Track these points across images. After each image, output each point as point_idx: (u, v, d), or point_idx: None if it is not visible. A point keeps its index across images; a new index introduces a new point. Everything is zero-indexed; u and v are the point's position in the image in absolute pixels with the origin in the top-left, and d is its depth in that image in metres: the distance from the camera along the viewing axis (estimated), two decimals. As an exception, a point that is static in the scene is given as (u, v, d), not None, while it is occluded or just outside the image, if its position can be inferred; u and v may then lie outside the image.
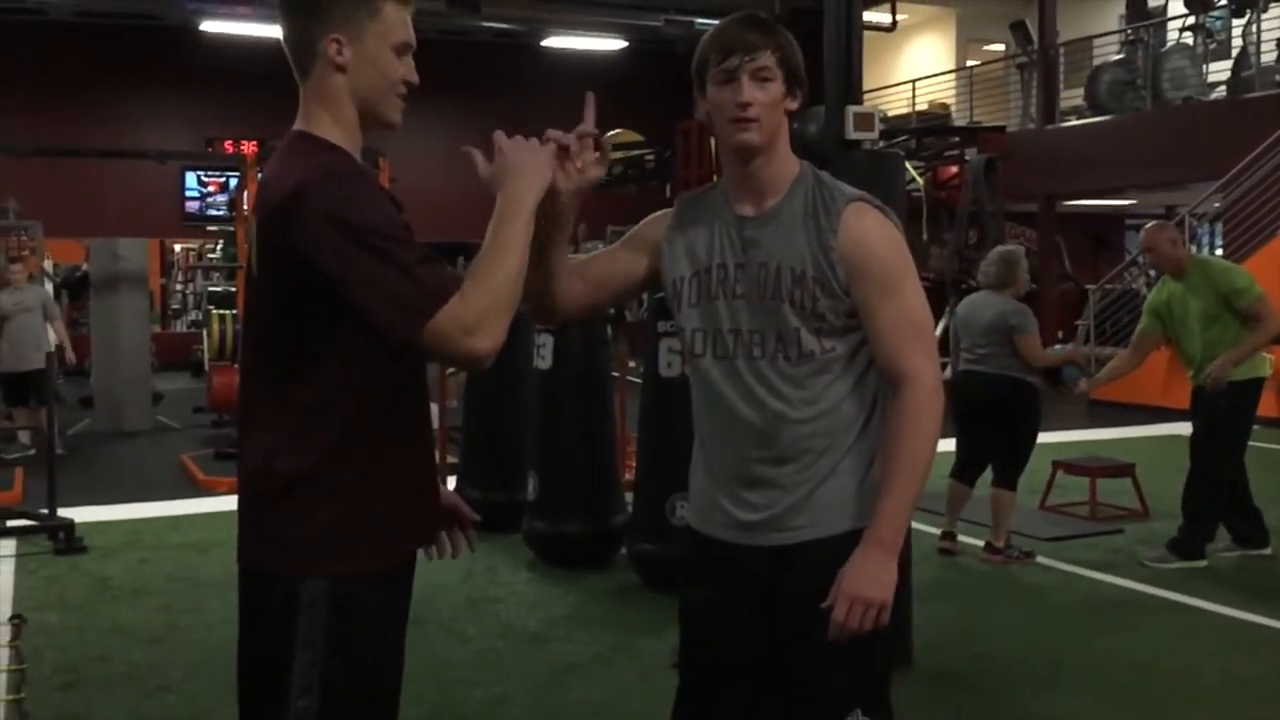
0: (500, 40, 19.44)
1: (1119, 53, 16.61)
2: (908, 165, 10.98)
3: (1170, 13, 16.61)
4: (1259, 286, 5.73)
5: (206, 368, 11.67)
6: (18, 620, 4.87)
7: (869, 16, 15.81)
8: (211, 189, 20.07)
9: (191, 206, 20.11)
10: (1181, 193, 16.00)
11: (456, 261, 8.69)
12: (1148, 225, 6.06)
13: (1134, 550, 6.22)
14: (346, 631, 1.89)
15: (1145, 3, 16.45)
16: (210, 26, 16.23)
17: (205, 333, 12.11)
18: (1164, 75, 15.24)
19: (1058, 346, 7.64)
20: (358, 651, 1.91)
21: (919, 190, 13.51)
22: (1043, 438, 6.22)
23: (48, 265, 14.59)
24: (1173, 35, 16.22)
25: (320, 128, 1.92)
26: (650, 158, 13.50)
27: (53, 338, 9.90)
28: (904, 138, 14.24)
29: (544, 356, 6.03)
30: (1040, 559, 6.11)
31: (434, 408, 5.38)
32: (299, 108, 1.95)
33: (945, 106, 18.63)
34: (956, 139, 14.60)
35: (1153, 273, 12.26)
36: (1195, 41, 15.63)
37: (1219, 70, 15.32)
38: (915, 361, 2.09)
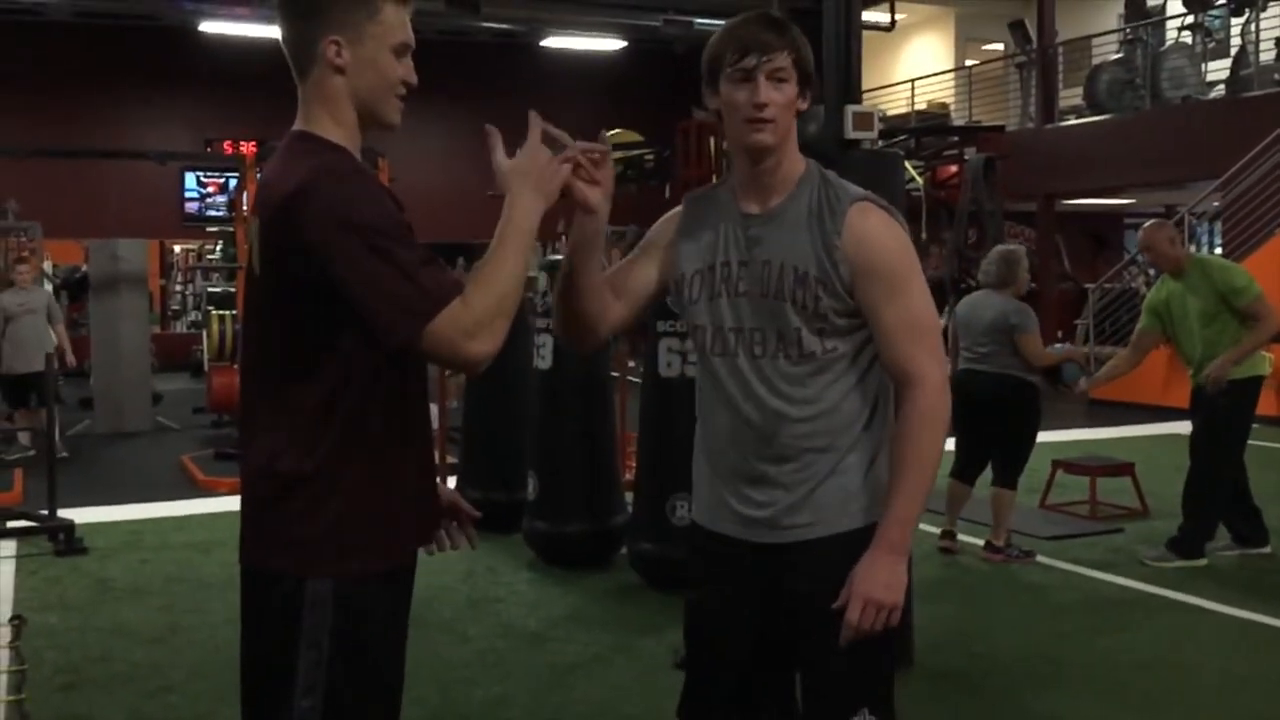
0: (499, 40, 19.45)
1: (1118, 52, 16.62)
2: (907, 165, 10.98)
3: (1169, 12, 16.61)
4: (1258, 285, 5.73)
5: (206, 368, 11.67)
6: (18, 621, 4.87)
7: (868, 16, 15.83)
8: (211, 190, 20.08)
9: (191, 207, 20.13)
10: (1180, 192, 16.02)
11: (456, 262, 8.69)
12: (1146, 224, 6.06)
13: (1134, 549, 6.22)
14: (350, 631, 1.89)
15: (1144, 2, 16.46)
16: (209, 27, 16.25)
17: (205, 333, 12.11)
18: (1163, 74, 15.25)
19: (1057, 346, 7.63)
20: (361, 651, 1.91)
21: (918, 190, 13.51)
22: (1043, 437, 6.23)
23: (47, 266, 14.60)
24: (1171, 34, 16.23)
25: (320, 128, 1.92)
26: (650, 158, 13.51)
27: (53, 340, 9.90)
28: (903, 137, 14.24)
29: (544, 356, 6.03)
30: (1040, 558, 6.11)
31: (434, 408, 5.39)
32: (299, 108, 1.96)
33: (944, 106, 18.64)
34: (955, 138, 14.60)
35: (1152, 272, 12.27)
36: (1194, 41, 15.64)
37: (1218, 69, 15.33)
38: (922, 362, 2.08)
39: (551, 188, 1.93)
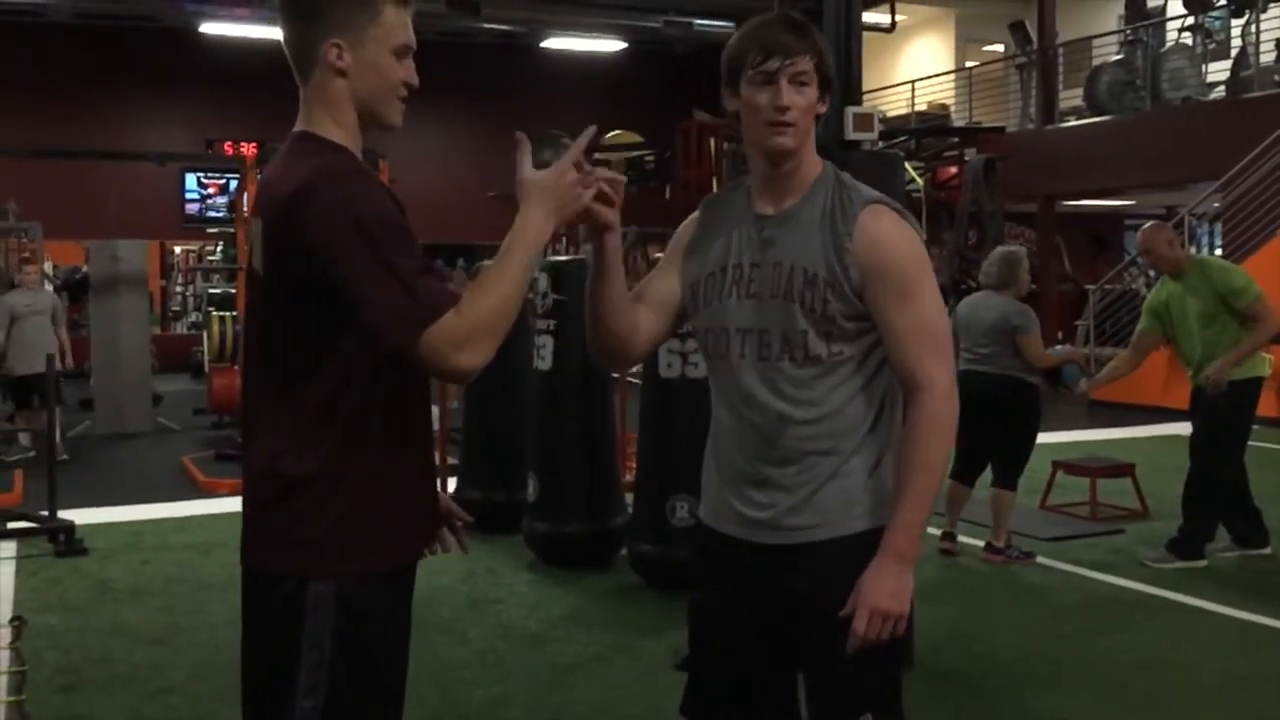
0: (500, 41, 19.44)
1: (1118, 53, 16.62)
2: (907, 166, 10.99)
3: (1169, 13, 16.62)
4: (1257, 286, 5.73)
5: (206, 369, 11.68)
6: (18, 622, 4.88)
7: (868, 17, 15.80)
8: (211, 191, 20.07)
9: (191, 208, 20.11)
10: (1181, 193, 16.01)
11: (456, 262, 8.70)
12: (1144, 226, 6.06)
13: (1134, 550, 6.22)
14: (352, 632, 1.90)
15: (1144, 3, 16.47)
16: (210, 28, 16.24)
17: (205, 334, 12.12)
18: (1163, 75, 15.25)
19: (1058, 347, 7.64)
20: (363, 652, 1.91)
21: (918, 191, 13.52)
22: (1043, 438, 6.23)
23: (48, 267, 14.60)
24: (1172, 35, 16.23)
25: (322, 129, 1.93)
26: (650, 158, 13.51)
27: (54, 341, 9.91)
28: (903, 138, 14.25)
29: (544, 357, 6.03)
30: (1040, 559, 6.12)
31: (435, 409, 5.39)
32: (300, 109, 1.96)
33: (944, 107, 18.64)
34: (956, 139, 14.61)
35: (1152, 273, 12.26)
36: (1194, 42, 15.64)
37: (1218, 70, 15.33)
38: (931, 368, 2.07)
39: (569, 211, 1.92)
